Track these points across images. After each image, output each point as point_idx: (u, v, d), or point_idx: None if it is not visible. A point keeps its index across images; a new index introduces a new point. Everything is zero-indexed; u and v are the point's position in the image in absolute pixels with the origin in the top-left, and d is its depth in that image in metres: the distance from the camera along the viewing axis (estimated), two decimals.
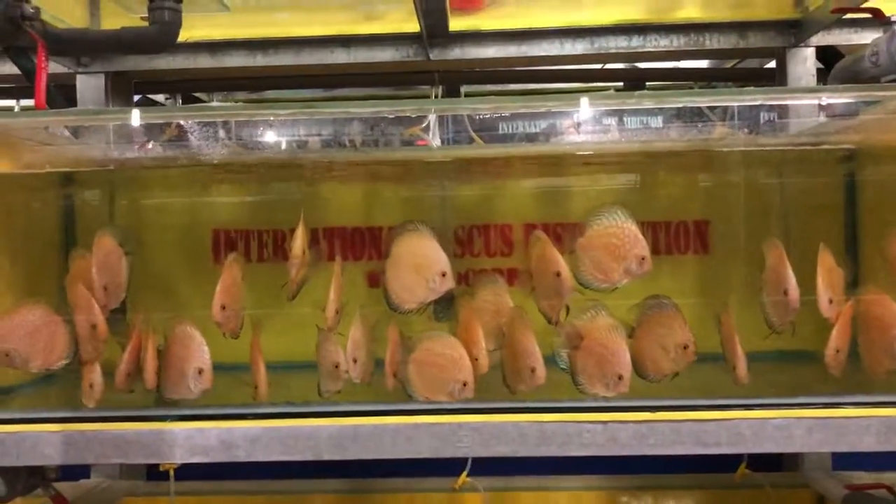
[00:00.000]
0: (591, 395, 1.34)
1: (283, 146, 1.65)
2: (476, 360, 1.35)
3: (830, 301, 1.35)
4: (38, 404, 1.55)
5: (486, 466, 1.79)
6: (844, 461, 1.91)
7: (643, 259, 1.34)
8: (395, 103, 1.36)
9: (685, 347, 1.35)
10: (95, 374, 1.39)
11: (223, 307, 1.40)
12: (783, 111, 1.45)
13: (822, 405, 1.26)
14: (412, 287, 1.37)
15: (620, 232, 1.34)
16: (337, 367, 1.36)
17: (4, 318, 1.39)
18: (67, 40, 1.54)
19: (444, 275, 1.35)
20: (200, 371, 1.36)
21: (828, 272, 1.37)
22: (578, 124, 1.46)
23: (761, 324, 1.43)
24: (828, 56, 1.90)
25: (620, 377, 1.31)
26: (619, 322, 1.34)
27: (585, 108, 1.32)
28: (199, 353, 1.37)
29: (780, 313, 1.38)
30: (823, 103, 1.35)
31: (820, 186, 1.73)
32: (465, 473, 1.78)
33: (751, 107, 1.43)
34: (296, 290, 1.45)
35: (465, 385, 1.33)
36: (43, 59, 1.43)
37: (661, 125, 1.59)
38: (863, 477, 1.79)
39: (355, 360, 1.40)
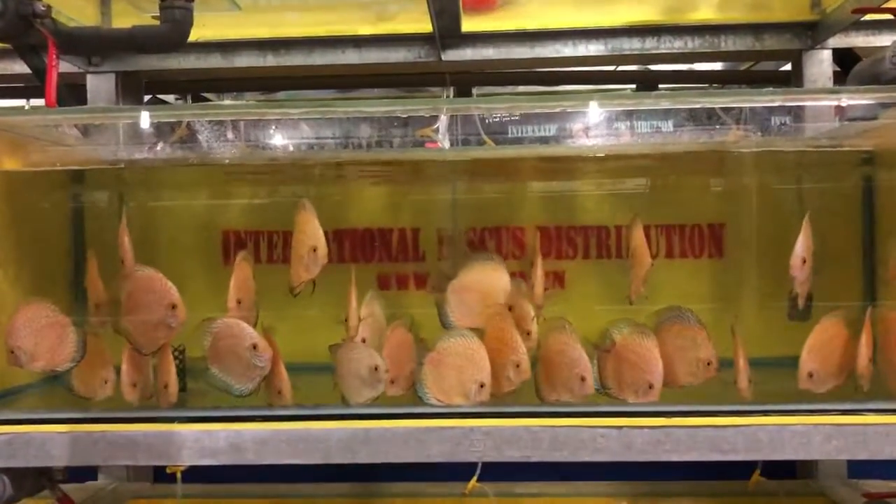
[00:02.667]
0: (619, 400, 1.33)
1: (292, 147, 1.64)
2: (518, 365, 1.32)
3: (811, 375, 1.33)
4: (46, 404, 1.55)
5: (498, 472, 1.76)
6: (860, 469, 1.88)
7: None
8: (407, 102, 1.34)
9: (708, 364, 1.34)
10: (108, 371, 1.40)
11: (239, 302, 1.39)
12: (801, 112, 1.43)
13: (840, 412, 1.23)
14: (473, 312, 1.39)
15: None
16: (376, 369, 1.31)
17: (12, 315, 1.37)
18: (78, 38, 1.53)
19: (583, 379, 1.33)
20: (255, 346, 1.34)
21: (824, 346, 1.33)
22: (588, 128, 1.45)
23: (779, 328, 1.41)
24: (844, 59, 1.87)
25: (651, 386, 1.29)
26: (651, 332, 1.33)
27: (601, 109, 1.30)
28: (243, 332, 1.35)
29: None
30: (843, 104, 1.33)
31: (838, 190, 1.70)
32: (475, 478, 1.76)
33: (768, 108, 1.41)
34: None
35: (482, 386, 1.31)
36: (54, 56, 1.42)
37: (674, 128, 1.58)
38: (878, 485, 1.76)
39: (364, 340, 1.40)
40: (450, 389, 1.33)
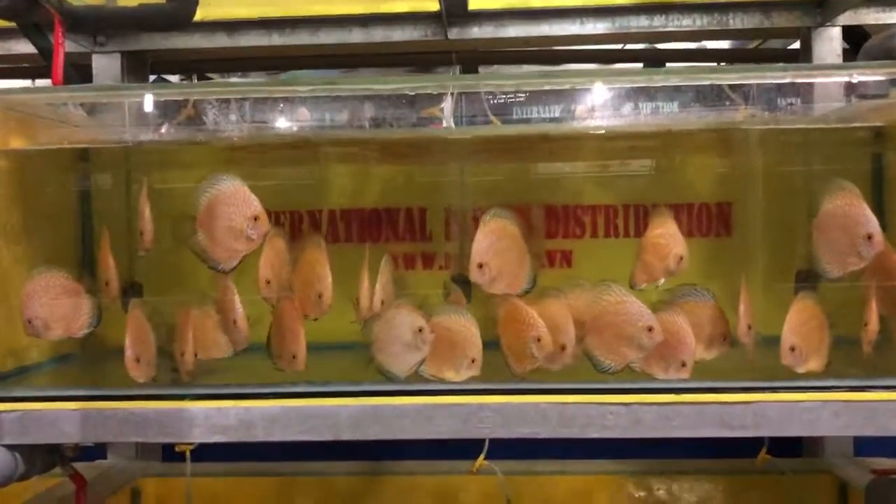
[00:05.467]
0: (646, 374, 1.32)
1: (296, 127, 1.63)
2: (539, 340, 1.30)
3: (793, 349, 1.30)
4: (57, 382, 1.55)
5: (504, 449, 1.78)
6: (866, 447, 1.89)
7: (681, 258, 1.38)
8: (414, 79, 1.33)
9: (723, 339, 1.34)
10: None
11: (268, 282, 1.39)
12: (811, 89, 1.42)
13: (849, 388, 1.23)
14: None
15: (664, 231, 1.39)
16: (420, 331, 1.30)
17: (25, 285, 1.37)
18: (84, 17, 1.52)
19: (650, 329, 1.29)
20: (235, 322, 1.38)
21: (803, 324, 1.31)
22: (596, 106, 1.44)
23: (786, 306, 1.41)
24: (854, 37, 1.86)
25: (684, 364, 1.29)
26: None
27: (610, 85, 1.29)
28: (230, 306, 1.39)
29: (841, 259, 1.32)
30: (854, 80, 1.31)
31: (848, 166, 1.69)
32: (482, 456, 1.77)
33: (778, 85, 1.40)
34: None
35: (473, 361, 1.32)
36: (60, 35, 1.42)
37: (683, 106, 1.57)
38: (885, 463, 1.77)
39: (383, 302, 1.40)
40: (442, 363, 1.33)
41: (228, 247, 1.31)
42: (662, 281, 1.41)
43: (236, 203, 1.30)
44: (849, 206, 1.28)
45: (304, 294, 1.39)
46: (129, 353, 1.35)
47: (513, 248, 1.34)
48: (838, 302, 1.37)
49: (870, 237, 1.26)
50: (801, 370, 1.30)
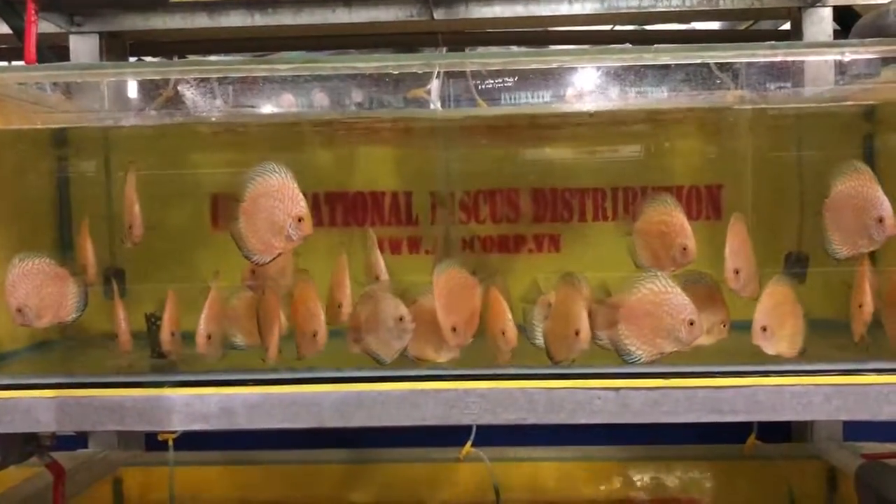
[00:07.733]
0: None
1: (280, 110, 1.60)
2: (504, 333, 1.30)
3: (764, 329, 1.28)
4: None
5: (492, 436, 1.76)
6: (855, 431, 1.88)
7: (685, 249, 1.31)
8: (399, 58, 1.30)
9: (722, 325, 1.33)
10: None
11: (253, 271, 1.37)
12: (802, 67, 1.40)
13: (841, 372, 1.22)
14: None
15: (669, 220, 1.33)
16: (401, 319, 1.28)
17: (9, 273, 1.33)
18: None
19: (691, 323, 1.24)
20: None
21: (775, 307, 1.29)
22: (581, 88, 1.41)
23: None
24: (845, 17, 1.84)
25: None
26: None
27: (599, 63, 1.26)
28: None
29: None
30: (847, 59, 1.29)
31: (840, 147, 1.67)
32: (469, 443, 1.75)
33: (769, 63, 1.37)
34: None
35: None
36: (32, 12, 1.37)
37: (673, 87, 1.54)
38: (874, 447, 1.76)
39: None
40: (424, 343, 1.31)
41: (266, 241, 1.25)
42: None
43: (283, 199, 1.24)
44: (861, 188, 1.26)
45: (302, 330, 1.35)
46: (122, 326, 1.39)
47: (464, 289, 1.32)
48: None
49: (881, 220, 1.24)
50: (770, 351, 1.28)
